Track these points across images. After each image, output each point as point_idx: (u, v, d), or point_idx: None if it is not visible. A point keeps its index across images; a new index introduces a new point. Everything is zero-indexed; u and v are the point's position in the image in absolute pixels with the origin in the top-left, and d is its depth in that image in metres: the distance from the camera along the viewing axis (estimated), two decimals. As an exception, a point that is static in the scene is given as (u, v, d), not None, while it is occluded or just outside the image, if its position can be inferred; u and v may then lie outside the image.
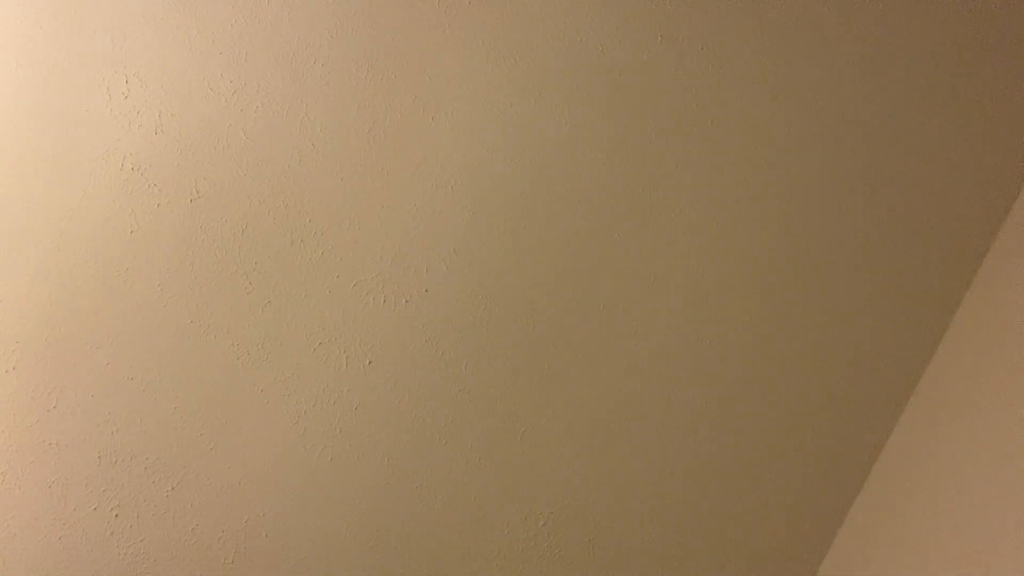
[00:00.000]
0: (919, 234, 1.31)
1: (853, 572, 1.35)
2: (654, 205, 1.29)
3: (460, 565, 1.36)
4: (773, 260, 1.32)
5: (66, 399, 1.27)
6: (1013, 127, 1.28)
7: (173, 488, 1.31)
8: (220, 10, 1.19)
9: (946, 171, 1.29)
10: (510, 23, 1.23)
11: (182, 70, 1.20)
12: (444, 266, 1.29)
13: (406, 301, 1.29)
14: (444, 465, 1.34)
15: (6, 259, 1.22)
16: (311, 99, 1.22)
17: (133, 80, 1.20)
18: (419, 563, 1.36)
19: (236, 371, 1.28)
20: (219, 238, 1.25)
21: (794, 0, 1.25)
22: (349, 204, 1.26)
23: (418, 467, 1.33)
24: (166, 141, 1.22)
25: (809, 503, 1.39)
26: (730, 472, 1.38)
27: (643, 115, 1.27)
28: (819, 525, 1.40)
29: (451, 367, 1.31)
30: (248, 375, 1.29)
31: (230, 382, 1.29)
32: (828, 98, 1.27)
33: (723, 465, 1.38)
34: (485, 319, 1.31)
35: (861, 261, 1.32)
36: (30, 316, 1.24)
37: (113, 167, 1.21)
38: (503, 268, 1.29)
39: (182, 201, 1.23)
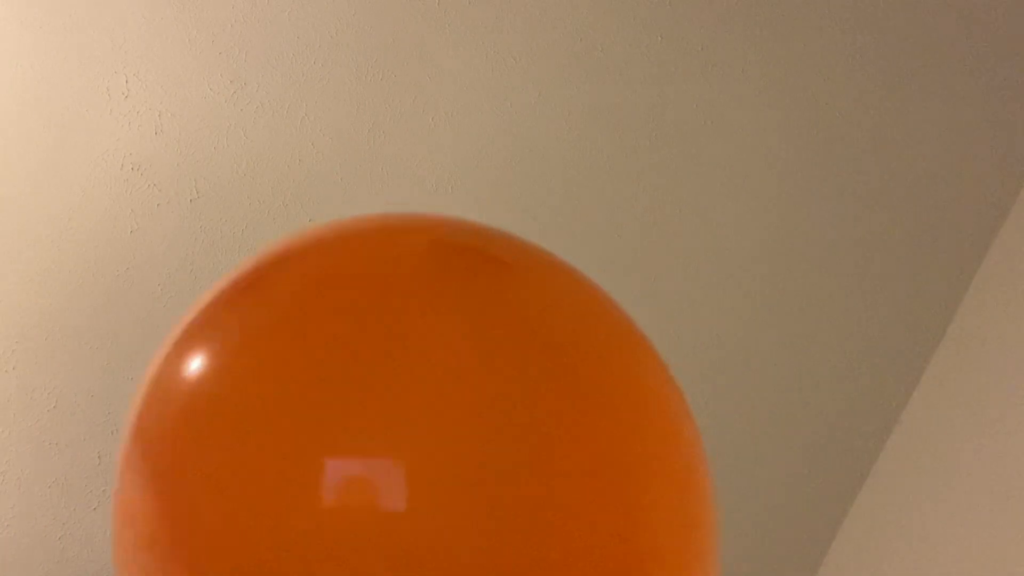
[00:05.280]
0: (919, 234, 1.31)
1: (853, 572, 1.35)
2: (653, 205, 1.29)
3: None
4: (772, 260, 1.32)
5: (66, 399, 1.27)
6: (1013, 127, 1.27)
7: (173, 488, 1.31)
8: (220, 10, 1.19)
9: (946, 171, 1.29)
10: (510, 23, 1.23)
11: (182, 70, 1.20)
12: (444, 266, 1.28)
13: (406, 301, 1.29)
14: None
15: (6, 259, 1.22)
16: (311, 99, 1.22)
17: (133, 80, 1.20)
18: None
19: (236, 371, 1.28)
20: (219, 238, 1.25)
21: (793, 2, 1.25)
22: (349, 204, 1.26)
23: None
24: (166, 141, 1.22)
25: (809, 503, 1.39)
26: (729, 473, 1.38)
27: (643, 115, 1.27)
28: (819, 525, 1.40)
29: (451, 367, 1.31)
30: (248, 375, 1.29)
31: (230, 382, 1.29)
32: (827, 98, 1.27)
33: (722, 467, 1.38)
34: (485, 319, 1.30)
35: (860, 261, 1.32)
36: (30, 316, 1.24)
37: (113, 167, 1.21)
38: (503, 268, 1.29)
39: (182, 201, 1.23)
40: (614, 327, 0.39)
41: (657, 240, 1.30)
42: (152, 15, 1.19)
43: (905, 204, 1.30)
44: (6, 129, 1.19)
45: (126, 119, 1.21)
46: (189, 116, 1.21)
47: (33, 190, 1.21)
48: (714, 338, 1.33)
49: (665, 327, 1.33)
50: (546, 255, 0.43)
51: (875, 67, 1.26)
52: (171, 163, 1.22)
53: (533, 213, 1.28)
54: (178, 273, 1.25)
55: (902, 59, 1.26)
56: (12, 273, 1.23)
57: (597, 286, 0.42)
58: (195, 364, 0.31)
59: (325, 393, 0.28)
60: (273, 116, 1.22)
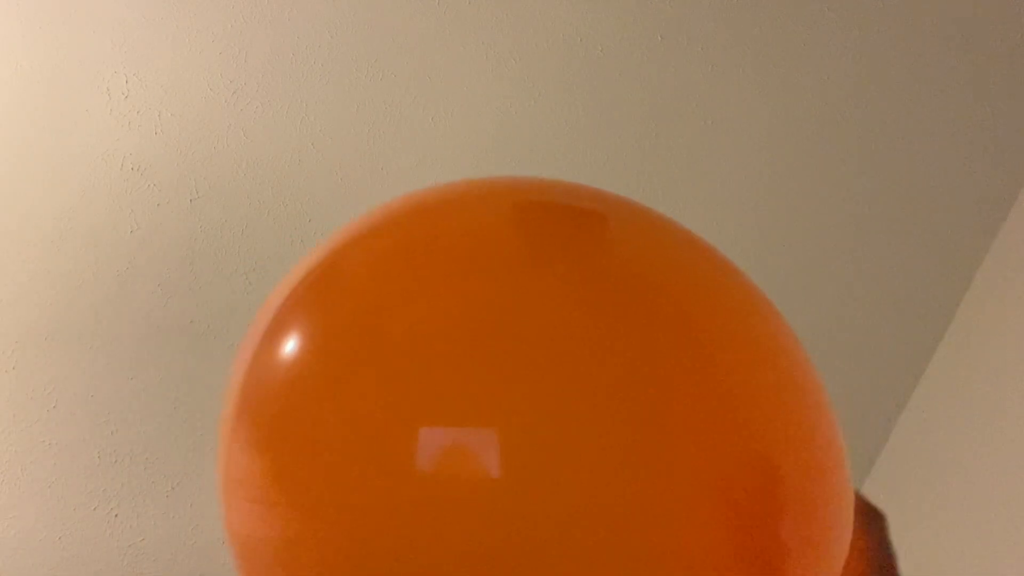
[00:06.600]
0: (919, 233, 1.31)
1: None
2: (652, 205, 1.29)
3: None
4: (770, 260, 1.32)
5: (66, 399, 1.27)
6: (1013, 127, 1.27)
7: (173, 488, 1.31)
8: (220, 10, 1.19)
9: (946, 171, 1.29)
10: (510, 23, 1.23)
11: (182, 70, 1.20)
12: (444, 266, 1.28)
13: (406, 301, 1.29)
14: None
15: (6, 259, 1.22)
16: (311, 99, 1.22)
17: (133, 80, 1.20)
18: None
19: (236, 371, 1.28)
20: (219, 238, 1.25)
21: (793, 1, 1.25)
22: (349, 204, 1.26)
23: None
24: (166, 141, 1.22)
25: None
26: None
27: (642, 115, 1.27)
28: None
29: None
30: (248, 375, 1.29)
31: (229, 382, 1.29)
32: (827, 99, 1.27)
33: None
34: (485, 319, 1.30)
35: (860, 262, 1.32)
36: (30, 316, 1.24)
37: (113, 167, 1.21)
38: (503, 268, 1.29)
39: (182, 201, 1.23)
40: (727, 278, 0.36)
41: (657, 240, 1.30)
42: (152, 15, 1.19)
43: (905, 204, 1.30)
44: (6, 129, 1.19)
45: (126, 119, 1.21)
46: (189, 116, 1.21)
47: (33, 190, 1.21)
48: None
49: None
50: (642, 207, 0.40)
51: (875, 67, 1.26)
52: (171, 163, 1.22)
53: (533, 213, 1.28)
54: (178, 273, 1.25)
55: (902, 59, 1.26)
56: (12, 273, 1.23)
57: (698, 236, 0.39)
58: (291, 341, 0.32)
59: (417, 364, 0.28)
60: (273, 116, 1.22)
